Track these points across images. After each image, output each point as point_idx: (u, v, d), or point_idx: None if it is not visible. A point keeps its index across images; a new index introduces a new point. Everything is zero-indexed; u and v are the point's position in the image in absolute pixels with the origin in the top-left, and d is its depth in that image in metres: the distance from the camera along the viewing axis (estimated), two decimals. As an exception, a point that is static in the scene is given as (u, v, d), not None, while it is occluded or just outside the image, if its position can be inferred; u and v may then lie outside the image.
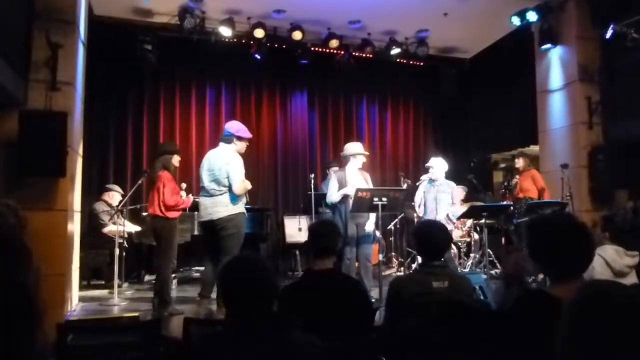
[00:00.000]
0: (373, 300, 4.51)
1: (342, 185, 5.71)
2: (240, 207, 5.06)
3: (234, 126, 5.27)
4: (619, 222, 3.16)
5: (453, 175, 6.72)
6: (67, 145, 4.99)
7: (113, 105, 8.25)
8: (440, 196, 6.52)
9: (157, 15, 7.68)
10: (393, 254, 8.86)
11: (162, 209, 5.33)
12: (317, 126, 9.47)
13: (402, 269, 8.04)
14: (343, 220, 5.55)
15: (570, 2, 7.25)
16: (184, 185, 6.08)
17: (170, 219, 5.37)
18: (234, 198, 5.00)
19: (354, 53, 8.68)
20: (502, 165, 10.74)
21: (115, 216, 6.40)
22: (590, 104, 7.11)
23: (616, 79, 6.97)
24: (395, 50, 8.58)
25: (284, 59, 8.62)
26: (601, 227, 3.25)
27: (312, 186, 7.84)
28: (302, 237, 7.98)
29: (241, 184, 4.99)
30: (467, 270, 7.48)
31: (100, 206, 7.06)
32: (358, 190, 5.28)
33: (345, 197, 5.58)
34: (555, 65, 7.56)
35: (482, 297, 4.17)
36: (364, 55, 8.69)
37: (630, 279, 3.07)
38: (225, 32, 7.66)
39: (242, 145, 5.25)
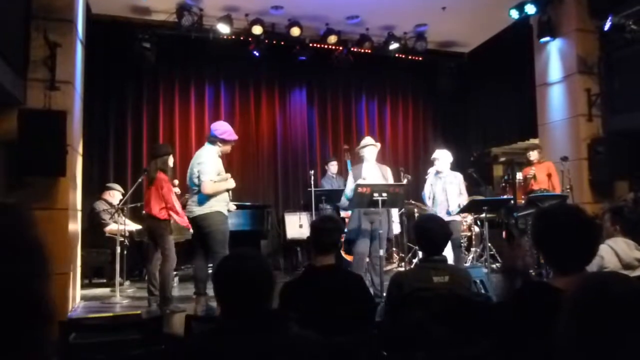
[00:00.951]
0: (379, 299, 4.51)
1: (356, 179, 5.74)
2: (216, 206, 4.99)
3: (220, 128, 5.26)
4: (629, 214, 3.16)
5: (453, 169, 6.70)
6: (67, 144, 4.99)
7: (112, 104, 8.24)
8: (448, 187, 6.52)
9: (155, 13, 7.67)
10: (394, 249, 8.86)
11: (157, 209, 5.33)
12: (317, 122, 9.47)
13: (403, 264, 8.05)
14: (357, 215, 5.60)
15: (569, -6, 7.24)
16: (176, 181, 6.10)
17: (163, 219, 5.37)
18: (203, 198, 4.98)
19: (352, 49, 8.67)
20: (502, 159, 10.73)
21: (116, 215, 6.40)
22: (590, 96, 7.10)
23: (615, 71, 6.95)
24: (393, 45, 8.56)
25: (283, 55, 8.61)
26: (611, 221, 3.24)
27: (313, 182, 7.84)
28: (303, 233, 7.99)
29: (209, 184, 4.92)
30: (468, 264, 7.49)
31: (100, 205, 7.06)
32: (357, 185, 5.27)
33: None
34: (555, 57, 7.55)
35: (483, 291, 4.18)
36: (362, 50, 8.68)
37: (639, 272, 3.07)
38: (223, 29, 7.65)
39: (226, 148, 5.26)
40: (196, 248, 5.29)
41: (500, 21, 8.06)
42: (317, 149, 9.39)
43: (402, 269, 7.73)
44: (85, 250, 6.31)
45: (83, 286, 6.21)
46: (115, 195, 7.11)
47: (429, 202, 6.74)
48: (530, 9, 7.30)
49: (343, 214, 7.09)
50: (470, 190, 8.46)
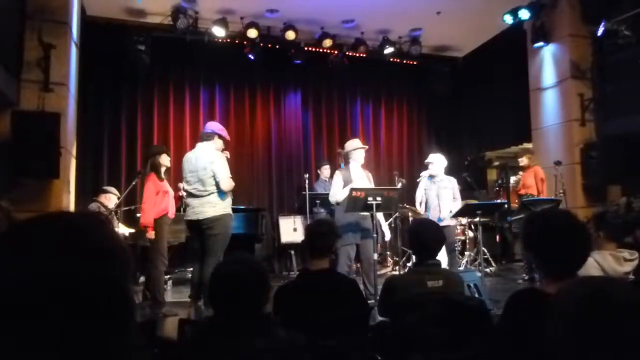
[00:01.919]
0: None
1: (347, 184, 5.60)
2: (227, 208, 5.00)
3: (216, 125, 5.28)
4: (612, 219, 3.13)
5: (447, 173, 6.71)
6: (61, 146, 4.97)
7: (106, 106, 8.21)
8: (442, 192, 6.51)
9: (150, 16, 7.66)
10: (388, 253, 8.86)
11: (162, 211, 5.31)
12: (311, 126, 9.47)
13: (397, 268, 8.05)
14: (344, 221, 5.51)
15: (562, 0, 7.28)
16: (181, 185, 6.06)
17: (159, 217, 5.33)
18: (222, 196, 4.95)
19: (347, 52, 8.69)
20: (496, 163, 10.77)
21: (110, 218, 6.37)
22: (583, 101, 7.15)
23: (608, 76, 7.01)
24: (388, 49, 8.59)
25: (278, 58, 8.62)
26: (594, 226, 3.17)
27: (307, 186, 7.84)
28: (297, 237, 7.98)
29: (228, 181, 4.94)
30: (462, 268, 7.50)
31: (95, 207, 7.02)
32: (352, 189, 5.26)
33: None
34: (548, 62, 7.60)
35: (476, 295, 4.18)
36: (357, 54, 8.70)
37: (628, 268, 3.06)
38: (219, 32, 7.65)
39: (221, 144, 5.22)
40: (196, 252, 5.22)
41: (494, 26, 8.11)
42: (311, 152, 9.39)
43: (396, 272, 7.73)
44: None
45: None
46: (111, 198, 7.07)
47: (420, 208, 6.75)
48: (524, 14, 7.34)
49: None
50: (464, 195, 8.50)
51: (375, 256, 5.28)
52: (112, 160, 8.15)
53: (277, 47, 8.37)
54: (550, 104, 7.58)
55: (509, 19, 7.51)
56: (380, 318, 3.14)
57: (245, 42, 8.08)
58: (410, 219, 8.06)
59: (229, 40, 7.96)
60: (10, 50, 4.92)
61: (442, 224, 6.31)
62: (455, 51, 9.57)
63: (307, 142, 9.40)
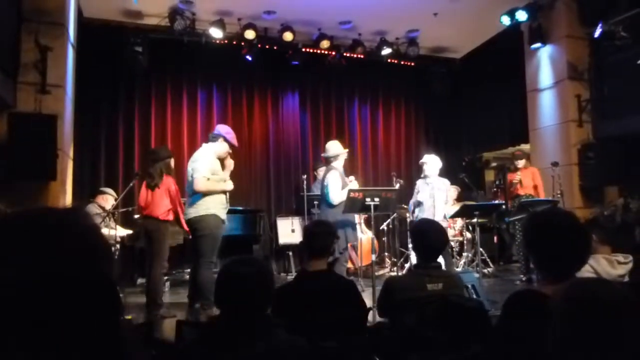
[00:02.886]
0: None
1: (344, 184, 5.56)
2: (213, 209, 4.91)
3: (227, 129, 5.27)
4: (605, 223, 3.13)
5: (445, 174, 6.72)
6: (58, 149, 4.96)
7: (104, 108, 8.19)
8: (436, 194, 6.51)
9: (147, 17, 7.65)
10: (386, 254, 8.86)
11: (161, 211, 5.29)
12: (309, 127, 9.46)
13: (395, 269, 8.05)
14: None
15: (559, 1, 7.30)
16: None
17: (165, 221, 5.34)
18: (198, 197, 4.90)
19: (345, 53, 8.69)
20: (494, 164, 10.78)
21: (107, 219, 6.36)
22: (580, 102, 7.16)
23: (605, 77, 7.03)
24: (386, 51, 8.60)
25: (275, 60, 8.62)
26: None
27: (305, 187, 7.84)
28: (295, 238, 7.98)
29: (202, 182, 4.85)
30: (459, 269, 7.51)
31: (92, 209, 7.00)
32: (350, 190, 5.26)
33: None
34: (545, 64, 7.62)
35: (474, 296, 4.18)
36: (355, 55, 8.71)
37: (622, 271, 3.06)
38: (216, 33, 7.65)
39: (226, 147, 5.16)
40: (191, 253, 5.25)
41: (491, 27, 8.12)
42: (309, 153, 9.38)
43: (394, 274, 7.73)
44: (75, 254, 6.25)
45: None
46: (108, 200, 7.06)
47: (411, 215, 6.72)
48: (521, 15, 7.35)
49: None
50: (461, 195, 8.52)
51: (374, 257, 5.29)
52: (109, 162, 8.13)
53: (275, 48, 8.37)
54: (547, 105, 7.59)
55: (506, 20, 7.52)
56: (379, 319, 3.14)
57: (242, 44, 8.08)
58: (408, 219, 8.06)
59: (226, 41, 7.96)
60: (6, 52, 4.91)
61: None
62: (453, 52, 9.58)
63: (305, 143, 9.40)
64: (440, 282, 2.78)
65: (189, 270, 7.88)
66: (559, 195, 6.63)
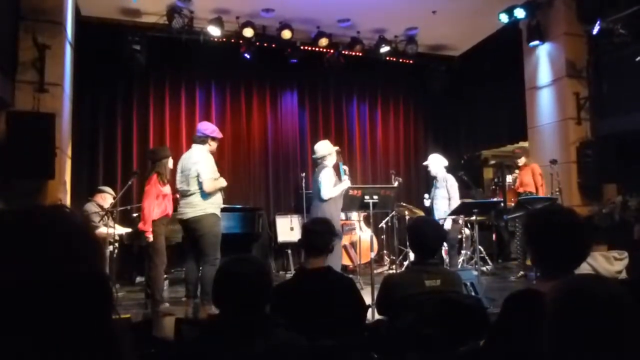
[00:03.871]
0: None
1: (336, 182, 5.65)
2: (210, 208, 5.01)
3: (209, 127, 5.32)
4: (599, 222, 3.15)
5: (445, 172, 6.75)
6: (56, 147, 4.96)
7: (102, 106, 8.18)
8: (437, 192, 6.57)
9: (145, 15, 7.63)
10: (385, 251, 8.88)
11: (162, 211, 5.34)
12: (308, 125, 9.46)
13: (394, 266, 8.06)
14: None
15: (558, -1, 7.30)
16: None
17: (155, 220, 5.36)
18: (205, 197, 4.98)
19: (343, 51, 8.69)
20: (492, 162, 10.80)
21: (106, 218, 6.36)
22: (579, 100, 7.17)
23: (604, 75, 7.03)
24: (384, 48, 8.59)
25: (274, 58, 8.61)
26: None
27: (304, 185, 7.84)
28: (294, 236, 7.99)
29: (211, 182, 4.98)
30: (458, 267, 7.51)
31: (91, 207, 7.00)
32: (349, 188, 5.28)
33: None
34: (544, 61, 7.62)
35: (473, 293, 4.19)
36: (353, 53, 8.70)
37: (619, 267, 3.08)
38: (214, 31, 7.64)
39: (215, 146, 5.31)
40: (187, 251, 5.30)
41: (490, 25, 8.12)
42: (308, 151, 9.37)
43: (393, 271, 7.74)
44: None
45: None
46: (106, 198, 7.06)
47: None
48: (520, 13, 7.35)
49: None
50: (460, 193, 8.53)
51: (373, 254, 5.30)
52: (108, 160, 8.13)
53: (273, 46, 8.36)
54: (545, 102, 7.59)
55: (504, 18, 7.52)
56: (378, 316, 3.14)
57: (241, 42, 8.07)
58: (407, 217, 8.07)
59: (224, 39, 7.94)
60: (4, 51, 4.91)
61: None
62: (451, 50, 9.58)
63: (304, 141, 9.39)
64: (438, 279, 2.79)
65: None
66: (557, 193, 6.64)
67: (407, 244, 7.27)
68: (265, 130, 9.16)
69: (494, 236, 8.76)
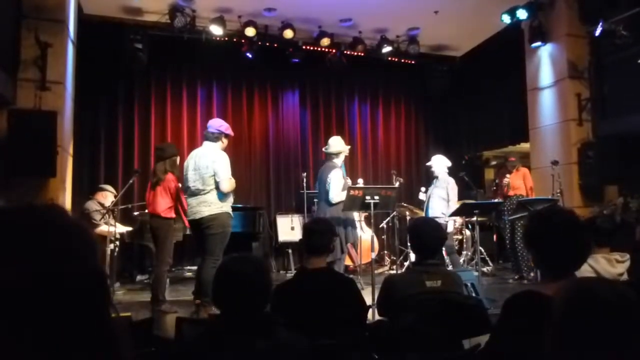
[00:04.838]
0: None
1: (344, 185, 5.59)
2: (225, 207, 4.99)
3: (223, 124, 5.25)
4: (602, 224, 3.13)
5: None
6: (57, 145, 4.96)
7: (103, 105, 8.20)
8: (434, 191, 6.59)
9: (148, 14, 7.64)
10: (385, 252, 8.88)
11: (163, 208, 5.32)
12: (309, 125, 9.46)
13: (394, 267, 8.06)
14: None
15: (560, 0, 7.29)
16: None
17: (168, 218, 5.37)
18: (221, 196, 4.95)
19: (345, 51, 8.69)
20: (494, 163, 10.80)
21: (107, 216, 6.36)
22: (580, 101, 7.16)
23: (605, 76, 7.02)
24: (386, 49, 8.58)
25: (276, 57, 8.60)
26: None
27: (305, 185, 7.84)
28: (295, 235, 7.99)
29: (228, 182, 4.95)
30: (461, 267, 7.52)
31: (92, 205, 7.01)
32: (350, 188, 5.27)
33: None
34: (545, 62, 7.61)
35: (473, 294, 4.18)
36: (355, 53, 8.69)
37: (621, 269, 3.07)
38: (216, 30, 7.64)
39: (226, 143, 5.27)
40: (198, 250, 5.27)
41: (491, 26, 8.11)
42: (309, 151, 9.38)
43: (394, 272, 7.74)
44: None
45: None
46: (107, 196, 7.07)
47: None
48: (522, 14, 7.34)
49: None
50: (461, 194, 8.52)
51: (373, 255, 5.30)
52: (109, 159, 8.14)
53: (275, 45, 8.35)
54: (547, 103, 7.58)
55: (506, 19, 7.51)
56: (378, 317, 3.14)
57: (243, 41, 8.07)
58: (408, 218, 8.07)
59: (226, 38, 7.95)
60: (6, 48, 4.91)
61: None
62: (453, 50, 9.57)
63: (305, 140, 9.40)
64: (438, 279, 2.79)
65: (188, 267, 7.96)
66: (558, 194, 6.63)
67: (408, 244, 7.29)
68: (267, 130, 9.17)
69: (494, 237, 8.76)
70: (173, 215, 5.39)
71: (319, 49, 8.51)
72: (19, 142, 4.73)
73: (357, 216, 8.07)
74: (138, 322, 3.03)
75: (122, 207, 6.88)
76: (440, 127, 10.32)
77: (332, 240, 3.07)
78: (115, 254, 6.29)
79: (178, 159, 5.61)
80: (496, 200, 7.71)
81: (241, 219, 7.46)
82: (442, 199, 6.49)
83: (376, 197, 5.10)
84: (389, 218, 8.36)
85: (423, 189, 7.28)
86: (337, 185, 5.50)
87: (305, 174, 8.18)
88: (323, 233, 2.98)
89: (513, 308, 1.79)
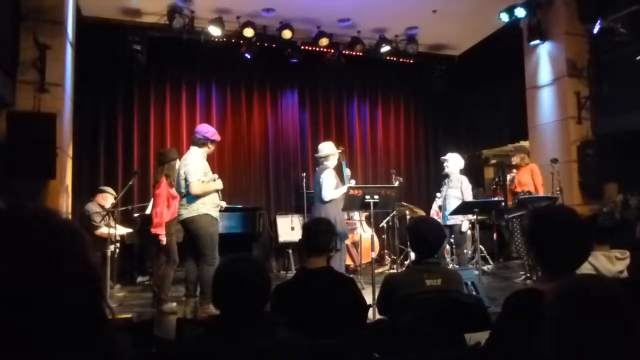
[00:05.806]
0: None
1: (337, 183, 5.76)
2: (204, 209, 4.99)
3: (209, 129, 5.30)
4: (603, 221, 3.13)
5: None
6: (57, 147, 4.96)
7: (103, 106, 8.20)
8: (449, 192, 6.59)
9: (146, 15, 7.63)
10: (386, 251, 8.88)
11: (170, 213, 5.42)
12: (308, 125, 9.46)
13: (395, 266, 8.06)
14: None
15: (558, -2, 7.30)
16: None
17: (166, 222, 5.42)
18: (191, 199, 4.99)
19: (344, 51, 8.68)
20: (493, 161, 10.78)
21: (107, 218, 6.36)
22: (579, 99, 7.16)
23: (604, 74, 7.02)
24: (385, 48, 8.58)
25: (274, 58, 8.60)
26: None
27: (304, 185, 7.84)
28: (295, 236, 7.99)
29: (197, 185, 4.94)
30: (467, 263, 7.52)
31: (92, 207, 7.01)
32: (349, 188, 5.28)
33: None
34: (544, 61, 7.61)
35: (474, 293, 4.19)
36: (354, 53, 8.69)
37: (621, 266, 3.07)
38: (215, 31, 7.64)
39: (213, 148, 5.35)
40: (186, 250, 5.33)
41: (490, 24, 8.11)
42: (308, 151, 9.37)
43: (394, 271, 7.74)
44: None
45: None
46: (107, 198, 7.07)
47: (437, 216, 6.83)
48: (520, 12, 7.34)
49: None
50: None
51: (374, 254, 5.30)
52: (109, 160, 8.14)
53: (274, 46, 8.35)
54: (546, 102, 7.59)
55: (505, 17, 7.51)
56: (379, 316, 3.14)
57: (241, 42, 8.07)
58: (408, 217, 8.07)
59: (225, 39, 7.94)
60: (5, 50, 4.91)
61: (448, 222, 6.43)
62: (452, 49, 9.57)
63: (304, 140, 9.39)
64: (439, 278, 2.79)
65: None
66: (558, 192, 6.64)
67: (408, 243, 7.29)
68: (266, 130, 9.16)
69: (494, 236, 8.75)
70: (168, 217, 5.42)
71: (318, 49, 8.51)
72: (18, 144, 4.73)
73: (358, 216, 8.09)
74: (138, 323, 3.03)
75: (122, 208, 6.88)
76: (439, 126, 10.32)
77: (332, 240, 3.07)
78: (116, 255, 6.29)
79: (177, 162, 5.62)
80: (496, 199, 7.70)
81: (241, 219, 7.47)
82: (457, 199, 6.47)
83: (376, 197, 5.11)
84: (389, 217, 8.36)
85: (438, 194, 7.32)
86: (328, 183, 5.71)
87: (304, 174, 8.18)
88: (323, 233, 2.98)
89: (513, 306, 1.79)
